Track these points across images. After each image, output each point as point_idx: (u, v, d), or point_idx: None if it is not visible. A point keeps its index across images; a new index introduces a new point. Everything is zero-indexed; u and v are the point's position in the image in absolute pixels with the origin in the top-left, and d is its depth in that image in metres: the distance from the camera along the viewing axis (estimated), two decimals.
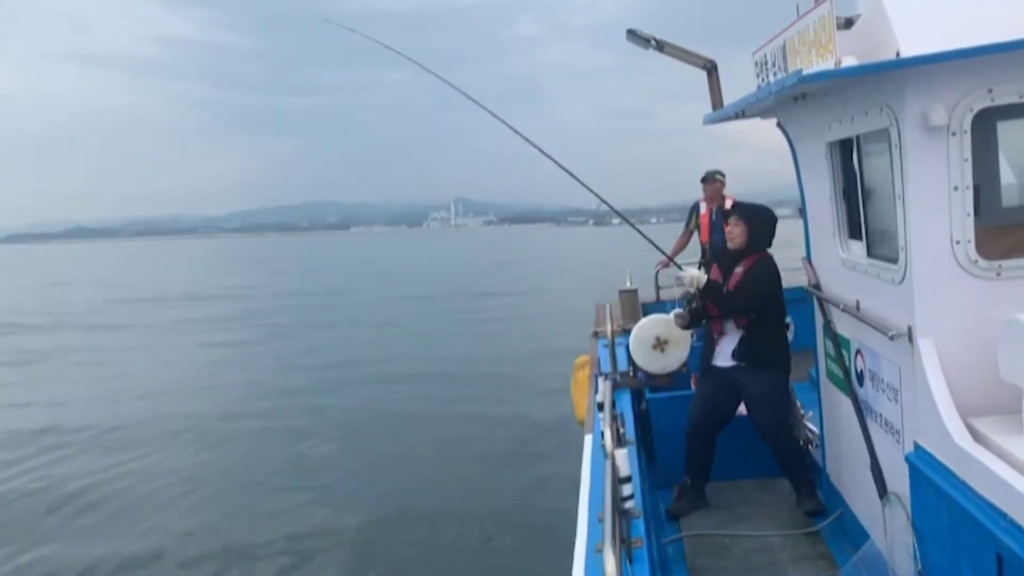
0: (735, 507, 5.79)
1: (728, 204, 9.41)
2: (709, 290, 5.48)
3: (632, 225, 6.46)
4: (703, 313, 5.64)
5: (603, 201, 6.44)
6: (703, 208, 9.76)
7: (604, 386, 5.12)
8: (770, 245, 5.62)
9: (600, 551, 3.18)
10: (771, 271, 5.51)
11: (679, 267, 6.09)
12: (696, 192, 9.94)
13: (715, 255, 9.06)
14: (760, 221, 5.57)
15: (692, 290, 5.53)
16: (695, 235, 9.84)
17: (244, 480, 12.06)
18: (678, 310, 5.84)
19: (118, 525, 10.45)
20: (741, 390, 5.57)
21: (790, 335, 5.82)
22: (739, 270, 5.55)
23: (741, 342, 5.52)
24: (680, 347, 6.22)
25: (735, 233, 5.55)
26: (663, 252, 7.21)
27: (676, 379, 6.43)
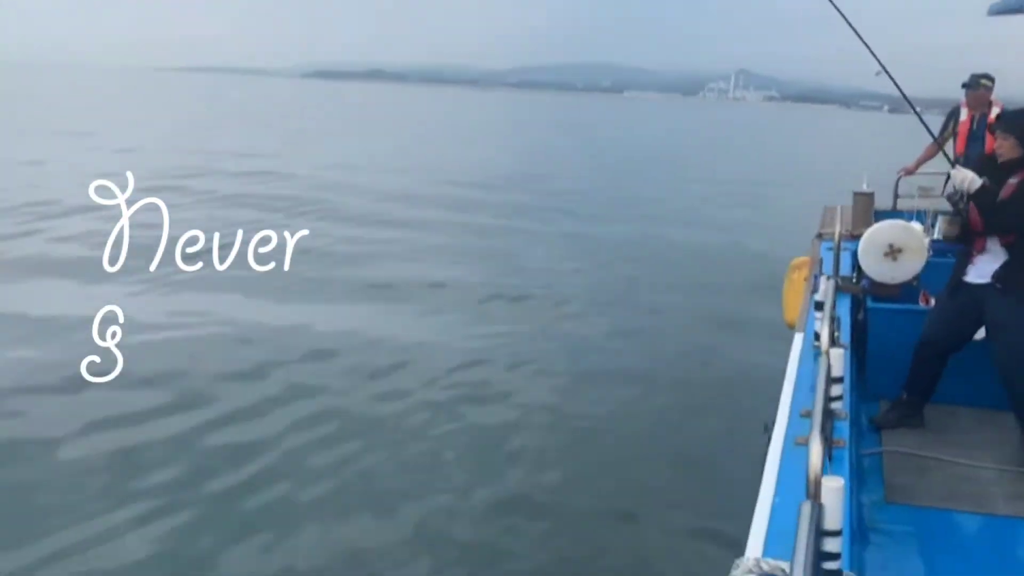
0: (947, 432, 5.44)
1: (994, 113, 8.45)
2: (981, 195, 4.95)
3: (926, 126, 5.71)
4: (967, 226, 5.12)
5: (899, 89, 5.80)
6: (963, 115, 8.84)
7: (826, 286, 4.92)
8: None
9: (800, 444, 3.15)
10: None
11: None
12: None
13: (972, 168, 8.21)
14: None
15: (964, 190, 4.98)
16: (949, 145, 8.97)
17: None
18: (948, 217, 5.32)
19: None
20: (986, 312, 5.09)
21: None
22: (1012, 181, 4.96)
23: (1004, 264, 5.00)
24: (915, 258, 5.80)
25: (1004, 147, 4.97)
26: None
27: (903, 291, 6.06)
